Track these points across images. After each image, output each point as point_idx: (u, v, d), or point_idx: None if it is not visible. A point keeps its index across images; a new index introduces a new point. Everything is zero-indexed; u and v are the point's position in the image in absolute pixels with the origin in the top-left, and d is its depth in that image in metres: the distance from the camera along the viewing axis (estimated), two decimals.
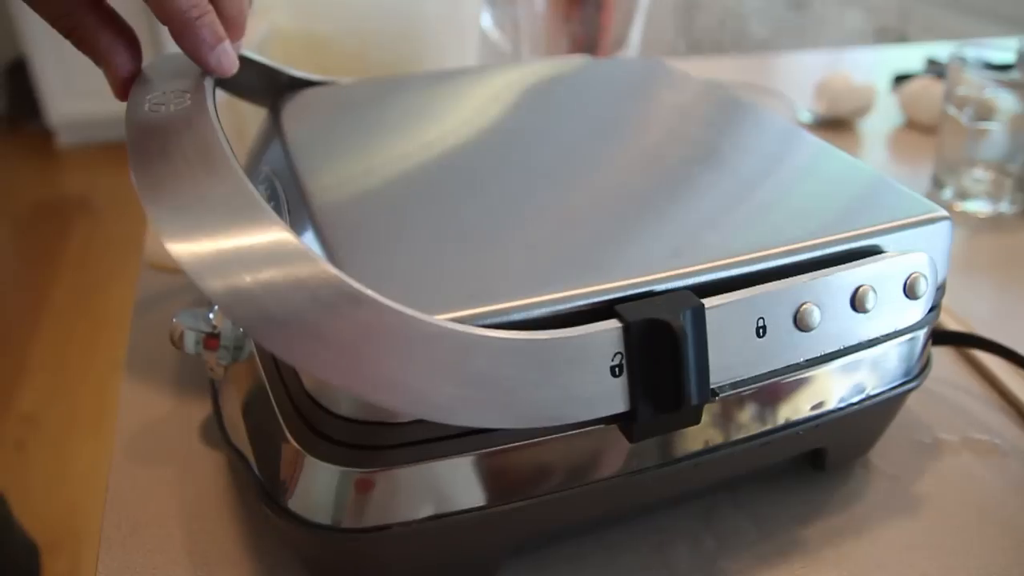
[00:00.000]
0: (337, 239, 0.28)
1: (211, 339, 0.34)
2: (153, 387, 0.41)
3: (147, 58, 0.32)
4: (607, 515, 0.32)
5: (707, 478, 0.32)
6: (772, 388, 0.29)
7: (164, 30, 0.29)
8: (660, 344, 0.24)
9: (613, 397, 0.25)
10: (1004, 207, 0.60)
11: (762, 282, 0.27)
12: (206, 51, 0.29)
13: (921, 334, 0.32)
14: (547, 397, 0.24)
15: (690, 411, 0.26)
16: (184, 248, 0.22)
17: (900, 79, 0.84)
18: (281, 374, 0.28)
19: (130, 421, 0.38)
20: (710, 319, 0.25)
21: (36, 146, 2.46)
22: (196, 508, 0.34)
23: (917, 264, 0.29)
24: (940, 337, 0.41)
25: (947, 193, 0.62)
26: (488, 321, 0.24)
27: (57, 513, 1.25)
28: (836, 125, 0.75)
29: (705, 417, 0.28)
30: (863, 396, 0.32)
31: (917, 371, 0.33)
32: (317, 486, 0.26)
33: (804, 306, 0.27)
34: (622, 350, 0.24)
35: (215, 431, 0.37)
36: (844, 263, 0.28)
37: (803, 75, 0.90)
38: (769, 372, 0.28)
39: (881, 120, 0.77)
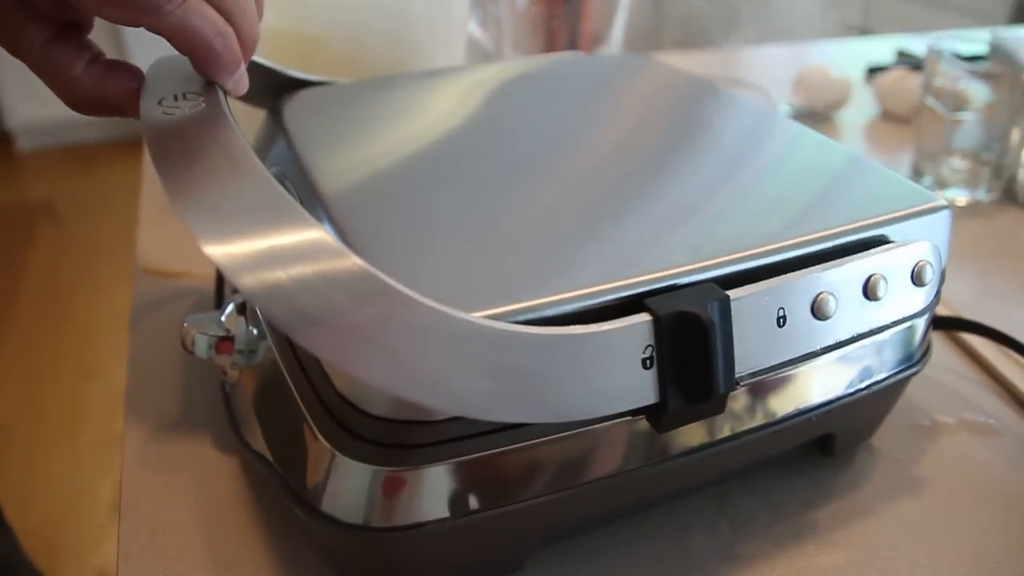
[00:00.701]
0: (358, 238, 0.28)
1: (224, 343, 0.33)
2: (158, 393, 0.40)
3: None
4: (628, 506, 0.33)
5: (725, 466, 0.33)
6: (788, 377, 0.30)
7: (127, 32, 0.28)
8: (689, 336, 0.25)
9: (644, 389, 0.25)
10: (981, 195, 0.62)
11: (779, 273, 0.28)
12: (226, 77, 0.29)
13: (923, 320, 0.33)
14: (581, 391, 0.24)
15: (717, 400, 0.26)
16: (220, 249, 0.22)
17: (873, 71, 0.86)
18: (307, 374, 0.28)
19: (139, 428, 0.38)
20: (734, 310, 0.26)
21: None
22: (213, 514, 0.34)
23: (923, 252, 0.30)
24: (936, 323, 0.42)
25: (926, 182, 0.63)
26: (521, 318, 0.24)
27: (30, 524, 1.22)
28: (814, 117, 0.76)
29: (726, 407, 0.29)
30: (871, 381, 0.33)
31: (920, 355, 0.34)
32: (349, 486, 0.26)
33: (821, 296, 0.28)
34: (653, 343, 0.25)
35: (226, 436, 0.37)
36: (855, 253, 0.29)
37: (773, 69, 0.91)
38: (787, 361, 0.29)
39: (857, 112, 0.78)
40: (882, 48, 0.94)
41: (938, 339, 0.45)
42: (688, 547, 0.33)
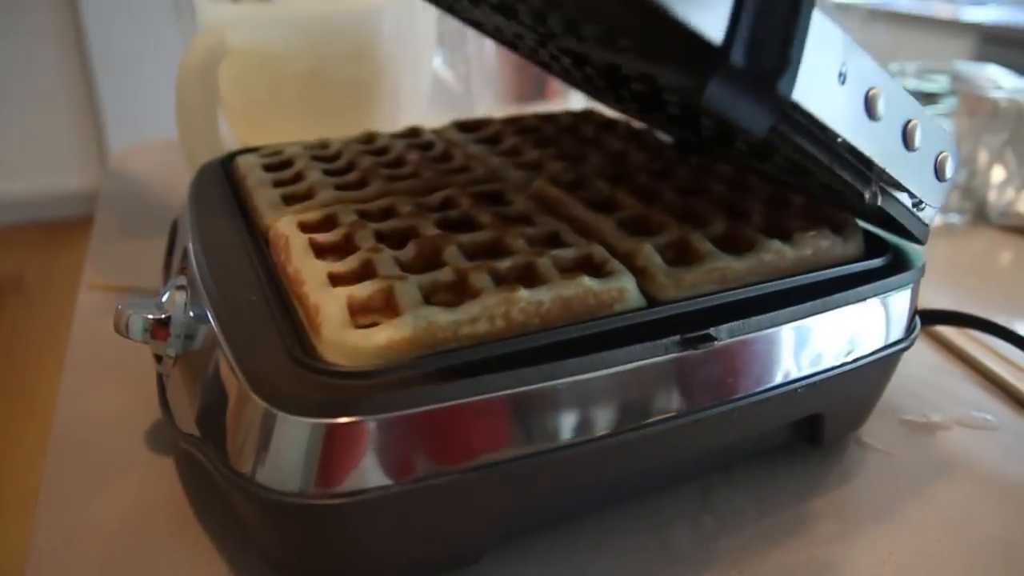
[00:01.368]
0: None
1: (160, 327, 0.31)
2: (92, 396, 0.37)
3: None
4: (602, 490, 0.30)
5: (707, 443, 0.30)
6: (774, 341, 0.28)
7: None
8: None
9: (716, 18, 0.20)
10: (953, 218, 0.61)
11: None
12: None
13: (909, 292, 0.32)
14: None
15: (776, 95, 0.22)
16: None
17: None
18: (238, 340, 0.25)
19: (67, 430, 0.35)
20: None
21: None
22: (139, 519, 0.30)
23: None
24: (926, 317, 0.40)
25: None
26: None
27: None
28: None
29: (708, 370, 0.27)
30: (859, 354, 0.31)
31: (907, 331, 0.32)
32: (284, 447, 0.23)
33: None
34: None
35: (160, 437, 0.34)
36: None
37: None
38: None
39: None
40: None
41: (924, 339, 0.44)
42: (669, 541, 0.30)
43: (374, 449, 0.23)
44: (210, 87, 0.50)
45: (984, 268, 0.55)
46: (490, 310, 0.25)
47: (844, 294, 0.30)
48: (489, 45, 0.75)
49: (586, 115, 0.49)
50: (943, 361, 0.42)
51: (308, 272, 0.28)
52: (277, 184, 0.37)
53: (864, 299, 0.31)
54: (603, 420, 0.26)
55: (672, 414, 0.27)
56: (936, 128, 0.28)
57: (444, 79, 0.78)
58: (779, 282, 0.30)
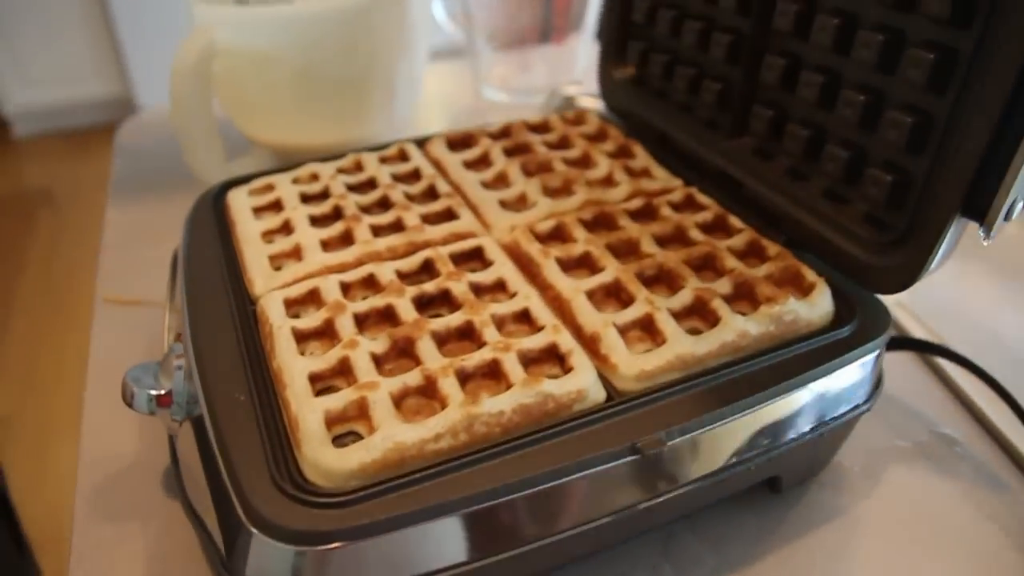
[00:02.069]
0: None
1: (163, 398, 0.33)
2: (114, 435, 0.40)
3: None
4: (570, 560, 0.33)
5: (668, 516, 0.32)
6: (731, 428, 0.30)
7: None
8: None
9: None
10: None
11: None
12: None
13: (874, 356, 0.33)
14: None
15: None
16: None
17: None
18: (227, 451, 0.28)
19: (92, 473, 0.38)
20: None
21: None
22: (163, 566, 0.34)
23: None
24: (899, 344, 0.41)
25: None
26: None
27: (37, 516, 1.24)
28: None
29: (662, 466, 0.29)
30: (819, 424, 0.32)
31: (870, 394, 0.34)
32: (265, 563, 0.26)
33: None
34: None
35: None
36: None
37: None
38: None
39: None
40: None
41: (906, 360, 0.45)
42: None
43: (348, 570, 0.26)
44: (203, 87, 0.50)
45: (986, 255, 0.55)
46: (453, 426, 0.27)
47: (805, 374, 0.31)
48: None
49: (577, 118, 0.49)
50: (917, 381, 0.43)
51: (290, 373, 0.30)
52: (266, 236, 0.38)
53: (829, 373, 0.31)
54: (564, 518, 0.28)
55: (630, 504, 0.29)
56: None
57: (445, 29, 0.76)
58: (740, 367, 0.31)
